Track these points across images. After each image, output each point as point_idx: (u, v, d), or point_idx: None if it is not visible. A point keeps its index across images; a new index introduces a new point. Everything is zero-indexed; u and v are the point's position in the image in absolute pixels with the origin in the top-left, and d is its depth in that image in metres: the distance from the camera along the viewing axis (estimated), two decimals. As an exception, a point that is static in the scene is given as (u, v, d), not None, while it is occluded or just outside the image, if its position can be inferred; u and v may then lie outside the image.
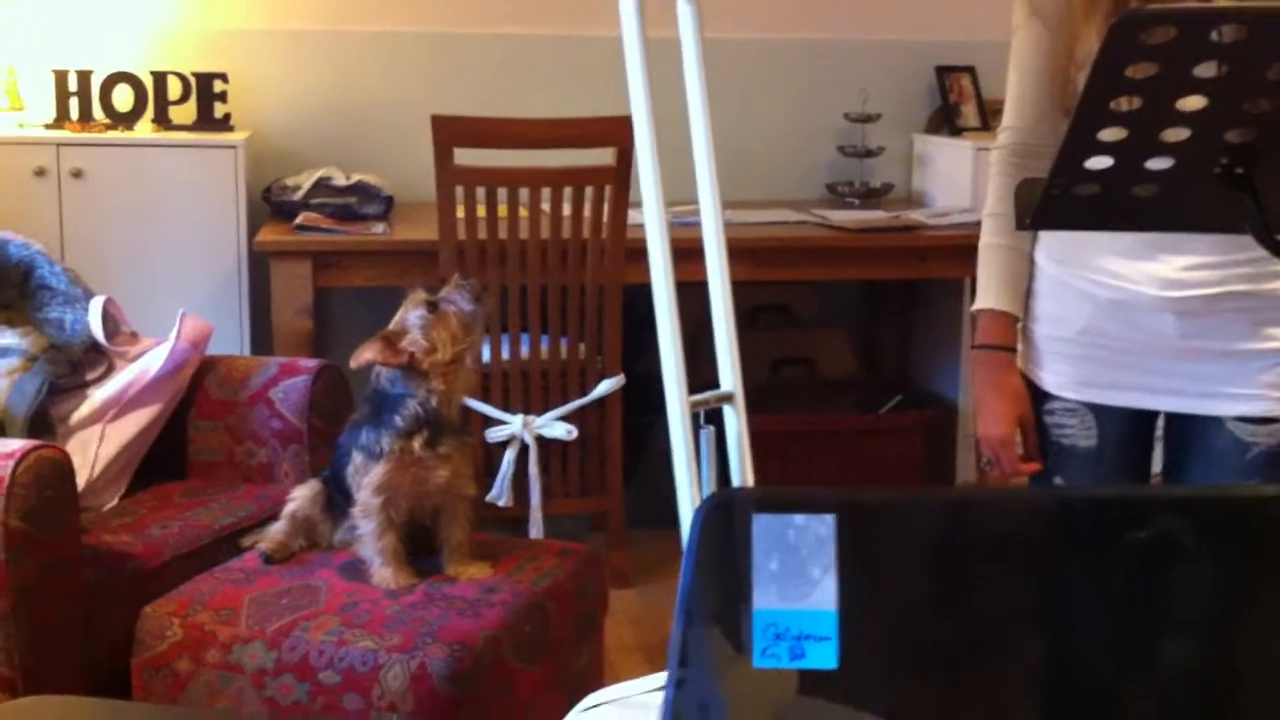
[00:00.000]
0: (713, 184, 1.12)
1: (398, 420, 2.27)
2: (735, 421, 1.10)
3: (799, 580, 0.81)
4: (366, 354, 2.28)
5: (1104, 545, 0.85)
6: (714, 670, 0.86)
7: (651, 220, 1.09)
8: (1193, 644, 0.92)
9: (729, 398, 1.09)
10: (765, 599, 0.81)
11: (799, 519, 0.77)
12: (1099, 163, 1.30)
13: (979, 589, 0.89)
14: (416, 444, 2.27)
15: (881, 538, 0.83)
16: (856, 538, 0.80)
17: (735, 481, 1.17)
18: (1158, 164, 1.30)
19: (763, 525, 0.77)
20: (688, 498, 1.02)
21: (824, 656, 0.83)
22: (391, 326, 2.31)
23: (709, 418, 1.14)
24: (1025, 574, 0.91)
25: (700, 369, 1.77)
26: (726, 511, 0.79)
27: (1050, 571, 0.90)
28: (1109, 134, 1.27)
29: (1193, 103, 1.24)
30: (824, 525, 0.78)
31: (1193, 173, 1.30)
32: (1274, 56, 1.20)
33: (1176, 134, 1.26)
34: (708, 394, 1.10)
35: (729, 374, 1.10)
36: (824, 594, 0.81)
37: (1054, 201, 1.38)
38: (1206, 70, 1.21)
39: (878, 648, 0.87)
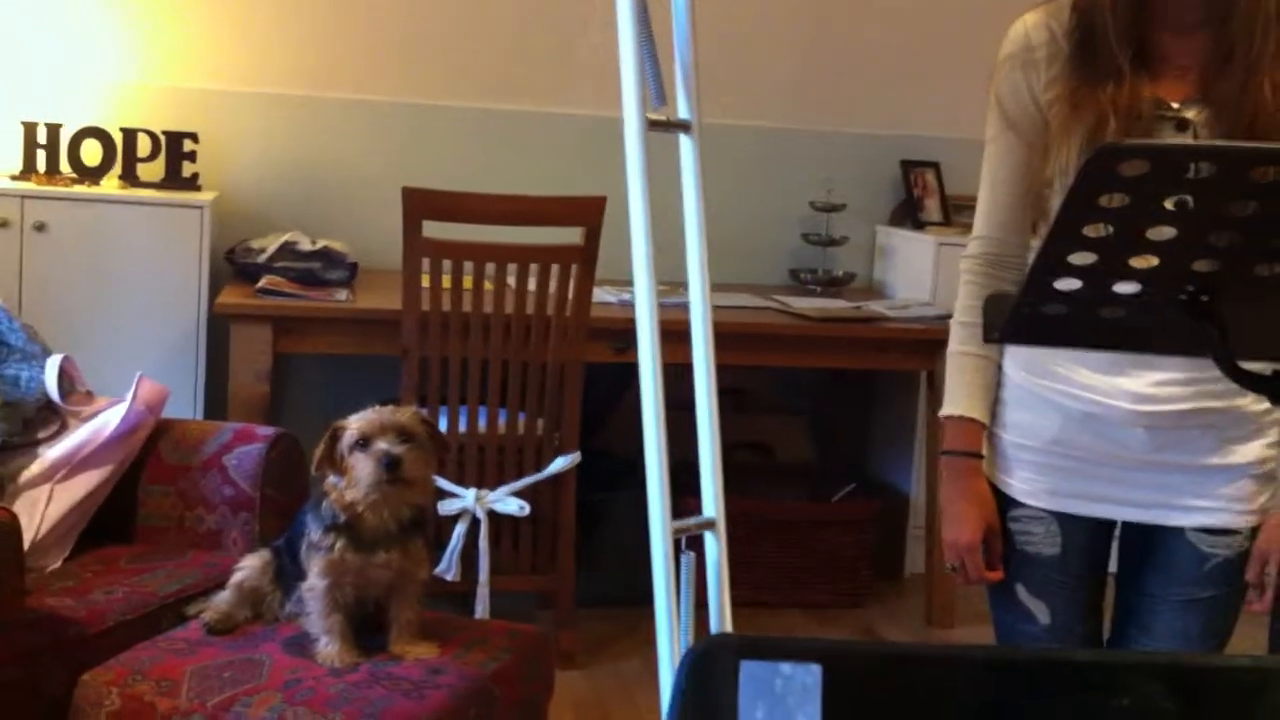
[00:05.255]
0: (708, 352, 1.09)
1: (324, 513, 2.26)
2: (715, 549, 1.09)
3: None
4: (318, 452, 2.26)
5: (1087, 711, 0.85)
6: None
7: (645, 351, 1.08)
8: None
9: (711, 524, 1.08)
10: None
11: (786, 668, 0.76)
12: (1068, 284, 1.32)
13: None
14: (344, 546, 2.25)
15: (868, 689, 0.82)
16: (842, 687, 0.79)
17: (712, 606, 1.15)
18: (1125, 288, 1.32)
19: (749, 673, 0.76)
20: (667, 630, 1.00)
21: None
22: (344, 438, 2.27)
23: (689, 543, 1.12)
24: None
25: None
26: (711, 659, 0.78)
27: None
28: (1079, 258, 1.29)
29: (1162, 232, 1.26)
30: (810, 675, 0.77)
31: (1160, 298, 1.32)
32: (1239, 192, 1.22)
33: (1145, 261, 1.28)
34: (689, 520, 1.08)
35: (711, 499, 1.09)
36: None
37: (1022, 319, 1.39)
38: (1177, 203, 1.23)
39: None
